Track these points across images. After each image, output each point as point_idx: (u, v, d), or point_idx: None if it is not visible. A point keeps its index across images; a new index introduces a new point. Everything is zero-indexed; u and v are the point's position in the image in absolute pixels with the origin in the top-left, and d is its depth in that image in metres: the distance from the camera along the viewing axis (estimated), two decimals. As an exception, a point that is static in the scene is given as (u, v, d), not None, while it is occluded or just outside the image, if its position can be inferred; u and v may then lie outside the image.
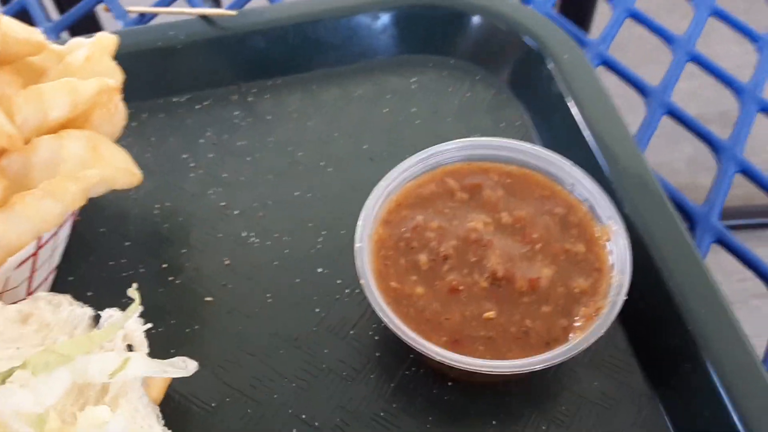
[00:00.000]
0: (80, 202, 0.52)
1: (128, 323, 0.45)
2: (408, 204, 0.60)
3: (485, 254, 0.55)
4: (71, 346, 0.41)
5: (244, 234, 0.69)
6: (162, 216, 0.71)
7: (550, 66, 0.76)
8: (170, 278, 0.66)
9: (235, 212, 0.71)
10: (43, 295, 0.47)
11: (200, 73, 0.81)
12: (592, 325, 0.51)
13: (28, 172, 0.52)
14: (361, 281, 0.55)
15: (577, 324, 0.52)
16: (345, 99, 0.81)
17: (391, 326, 0.52)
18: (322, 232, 0.69)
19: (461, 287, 0.54)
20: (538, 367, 0.50)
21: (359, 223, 0.58)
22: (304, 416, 0.57)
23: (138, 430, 0.41)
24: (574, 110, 0.71)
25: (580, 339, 0.51)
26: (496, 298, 0.53)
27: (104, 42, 0.62)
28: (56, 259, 0.60)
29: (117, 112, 0.59)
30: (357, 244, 0.56)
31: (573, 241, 0.56)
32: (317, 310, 0.64)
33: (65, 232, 0.60)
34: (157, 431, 0.44)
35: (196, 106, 0.80)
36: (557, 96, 0.74)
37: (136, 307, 0.45)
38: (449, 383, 0.58)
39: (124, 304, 0.50)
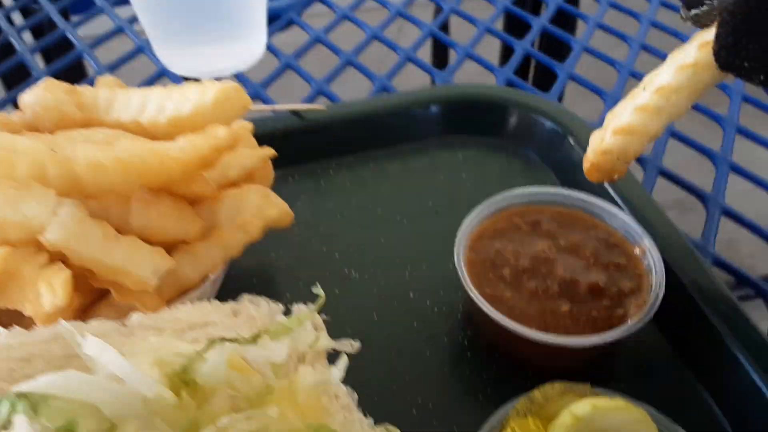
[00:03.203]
0: (259, 235, 0.70)
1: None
2: (486, 236, 0.78)
3: (553, 267, 0.74)
4: (290, 322, 0.57)
5: (346, 271, 0.86)
6: (277, 260, 0.88)
7: (571, 140, 0.98)
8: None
9: (336, 255, 0.88)
10: (247, 296, 0.63)
11: (291, 155, 1.00)
12: (642, 311, 0.69)
13: (215, 216, 0.70)
14: (464, 285, 0.72)
15: (631, 312, 0.70)
16: (407, 170, 1.01)
17: (491, 314, 0.69)
18: (408, 267, 0.87)
19: (539, 290, 0.72)
20: (611, 339, 0.67)
21: (455, 249, 0.76)
22: (420, 400, 0.72)
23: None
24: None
25: (635, 320, 0.68)
26: (567, 297, 0.71)
27: (247, 126, 0.82)
28: (216, 288, 0.76)
29: (269, 174, 0.78)
30: (456, 261, 0.74)
31: (617, 256, 0.76)
32: (415, 324, 0.80)
33: (225, 271, 0.76)
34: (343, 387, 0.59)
35: (289, 178, 0.99)
36: (577, 160, 0.96)
37: (321, 300, 0.61)
38: (530, 373, 0.75)
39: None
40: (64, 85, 0.75)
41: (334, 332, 0.81)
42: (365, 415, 0.60)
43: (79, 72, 1.50)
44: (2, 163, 0.59)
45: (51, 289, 0.55)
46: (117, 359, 0.49)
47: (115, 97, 0.75)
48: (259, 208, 0.69)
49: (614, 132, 0.66)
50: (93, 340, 0.48)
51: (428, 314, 0.81)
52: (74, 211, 0.59)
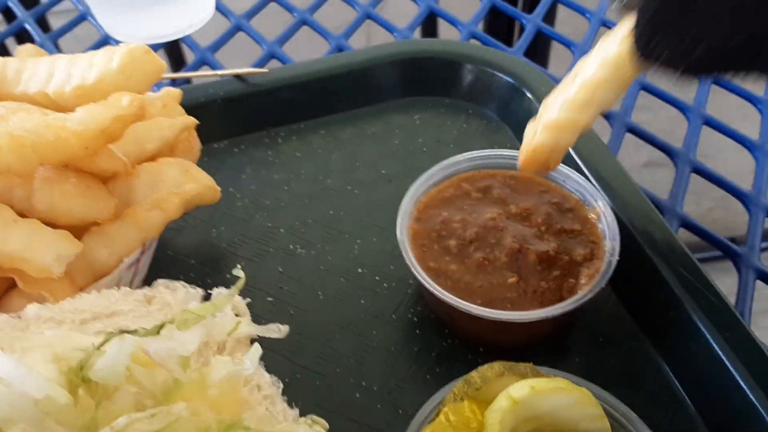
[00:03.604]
0: (179, 213, 0.64)
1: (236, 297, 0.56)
2: (433, 204, 0.73)
3: (501, 237, 0.69)
4: (202, 309, 0.52)
5: (291, 247, 0.82)
6: (218, 238, 0.83)
7: (528, 94, 0.92)
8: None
9: (281, 230, 0.83)
10: (162, 282, 0.59)
11: (236, 122, 0.95)
12: (593, 281, 0.65)
13: (131, 193, 0.65)
14: (407, 261, 0.67)
15: (582, 282, 0.65)
16: (360, 136, 0.96)
17: (435, 291, 0.64)
18: (357, 241, 0.82)
19: (486, 262, 0.67)
20: (556, 313, 0.62)
21: (398, 221, 0.71)
22: (363, 383, 0.69)
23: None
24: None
25: (585, 291, 0.64)
26: (515, 268, 0.67)
27: (173, 94, 0.76)
28: (143, 273, 0.71)
29: (193, 146, 0.72)
30: (398, 236, 0.69)
31: (570, 222, 0.71)
32: (362, 301, 0.76)
33: (151, 251, 0.71)
34: (266, 377, 0.55)
35: (235, 149, 0.93)
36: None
37: (242, 282, 0.56)
38: (480, 349, 0.71)
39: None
40: (-33, 57, 0.69)
41: (277, 312, 0.77)
42: (291, 405, 0.56)
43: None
44: None
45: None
46: (0, 358, 0.44)
47: (24, 67, 0.69)
48: (177, 183, 0.64)
49: (544, 128, 0.65)
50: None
51: (377, 291, 0.77)
52: (-38, 196, 0.54)
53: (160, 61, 0.65)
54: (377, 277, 0.78)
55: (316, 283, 0.78)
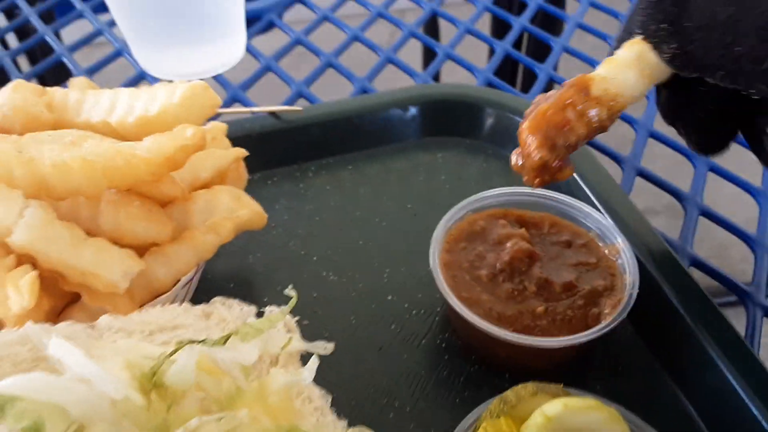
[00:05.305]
0: (231, 237, 0.69)
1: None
2: (463, 237, 0.78)
3: (528, 269, 0.73)
4: (260, 323, 0.56)
5: (324, 273, 0.86)
6: (255, 264, 0.87)
7: (548, 140, 0.98)
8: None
9: (314, 258, 0.88)
10: (218, 299, 0.63)
11: (270, 156, 1.00)
12: (617, 310, 0.69)
13: (187, 217, 0.69)
14: (441, 290, 0.72)
15: (606, 311, 0.70)
16: (386, 172, 1.01)
17: (469, 319, 0.69)
18: (386, 270, 0.86)
19: (515, 292, 0.72)
20: (585, 339, 0.66)
21: (431, 251, 0.75)
22: (396, 404, 0.72)
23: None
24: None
25: (609, 320, 0.68)
26: (543, 297, 0.71)
27: (221, 127, 0.81)
28: (191, 293, 0.75)
29: (242, 175, 0.77)
30: (432, 265, 0.74)
31: (590, 255, 0.76)
32: (392, 326, 0.80)
33: (200, 273, 0.75)
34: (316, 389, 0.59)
35: (268, 182, 0.98)
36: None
37: (294, 301, 0.60)
38: (507, 375, 0.75)
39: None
40: (33, 87, 0.74)
41: (312, 335, 0.80)
42: (339, 417, 0.59)
43: (62, 76, 1.48)
44: (-33, 165, 0.59)
45: (18, 291, 0.54)
46: (83, 361, 0.48)
47: (85, 98, 0.75)
48: (231, 209, 0.69)
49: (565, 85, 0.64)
50: (58, 341, 0.48)
51: (406, 317, 0.81)
52: (41, 213, 0.58)
53: (217, 97, 0.71)
54: (406, 305, 0.82)
55: (348, 308, 0.82)
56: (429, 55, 1.94)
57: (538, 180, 0.64)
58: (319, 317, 0.81)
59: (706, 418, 0.71)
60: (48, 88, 0.76)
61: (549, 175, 0.63)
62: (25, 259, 0.60)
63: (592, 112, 0.61)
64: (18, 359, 0.52)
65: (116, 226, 0.63)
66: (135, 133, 0.69)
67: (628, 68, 0.61)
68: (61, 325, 0.54)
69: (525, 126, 0.64)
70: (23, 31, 1.49)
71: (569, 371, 0.74)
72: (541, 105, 0.64)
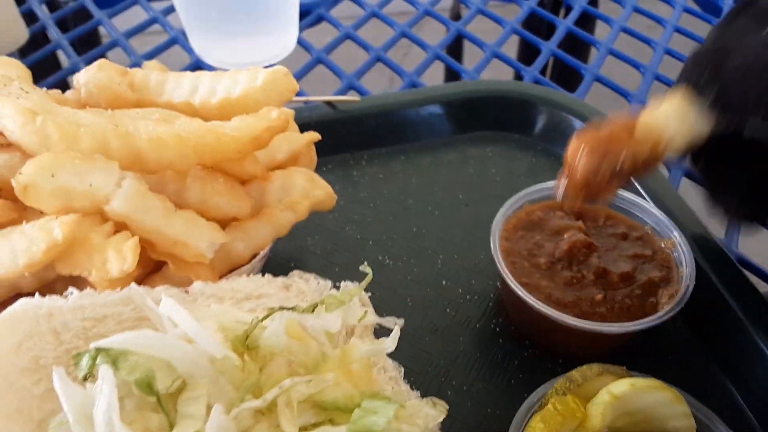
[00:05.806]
0: (306, 215, 0.72)
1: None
2: (521, 226, 0.81)
3: (586, 258, 0.76)
4: (341, 295, 0.60)
5: (380, 258, 0.89)
6: (314, 246, 0.90)
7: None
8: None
9: (370, 242, 0.91)
10: (297, 272, 0.66)
11: (325, 144, 1.02)
12: (674, 300, 0.72)
13: (265, 196, 0.72)
14: (502, 274, 0.75)
15: (663, 301, 0.72)
16: (437, 163, 1.04)
17: (529, 300, 0.71)
18: (440, 256, 0.89)
19: (574, 280, 0.74)
20: (644, 326, 0.69)
21: (491, 238, 0.78)
22: (454, 383, 0.75)
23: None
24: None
25: (667, 309, 0.71)
26: (601, 286, 0.74)
27: (289, 113, 0.84)
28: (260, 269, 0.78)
29: (313, 158, 0.80)
30: (492, 251, 0.77)
31: (646, 248, 0.78)
32: (447, 310, 0.83)
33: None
34: (390, 361, 0.62)
35: (323, 168, 1.01)
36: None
37: (369, 277, 0.63)
38: (559, 360, 0.77)
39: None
40: (116, 66, 0.77)
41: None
42: (412, 388, 0.62)
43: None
44: (67, 136, 0.62)
45: (120, 255, 0.57)
46: (189, 320, 0.51)
47: (166, 79, 0.78)
48: (306, 189, 0.72)
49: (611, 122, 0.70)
50: (168, 300, 0.51)
51: (460, 302, 0.84)
52: (137, 184, 0.62)
53: (295, 83, 0.74)
54: (460, 290, 0.85)
55: (404, 292, 0.85)
56: (472, 54, 1.97)
57: (580, 194, 0.68)
58: (377, 299, 0.83)
59: (755, 409, 0.73)
60: (129, 69, 0.79)
61: (591, 194, 0.68)
62: (119, 227, 0.63)
63: (632, 151, 0.67)
64: (122, 318, 0.55)
65: (202, 200, 0.66)
66: (217, 114, 0.72)
67: (670, 118, 0.66)
68: (159, 288, 0.57)
69: (573, 146, 0.69)
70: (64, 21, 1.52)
71: (619, 359, 0.77)
72: (590, 132, 0.69)
